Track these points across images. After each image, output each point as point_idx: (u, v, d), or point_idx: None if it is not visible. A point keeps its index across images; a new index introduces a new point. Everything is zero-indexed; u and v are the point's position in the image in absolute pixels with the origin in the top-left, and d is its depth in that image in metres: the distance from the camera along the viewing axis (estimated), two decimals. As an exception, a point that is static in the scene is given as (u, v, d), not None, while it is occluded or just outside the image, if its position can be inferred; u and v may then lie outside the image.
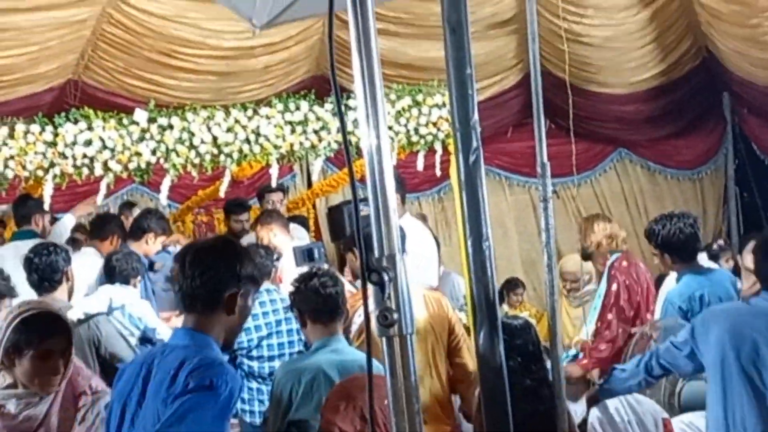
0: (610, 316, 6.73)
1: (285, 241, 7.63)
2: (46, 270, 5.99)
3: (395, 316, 1.90)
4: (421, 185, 11.25)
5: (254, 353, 6.65)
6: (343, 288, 4.92)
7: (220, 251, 3.42)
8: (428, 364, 5.37)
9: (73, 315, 5.88)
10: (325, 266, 6.58)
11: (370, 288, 1.92)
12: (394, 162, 7.76)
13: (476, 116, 4.67)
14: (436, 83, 7.66)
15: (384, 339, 1.93)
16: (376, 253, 1.93)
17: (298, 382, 4.73)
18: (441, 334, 5.47)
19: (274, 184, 8.01)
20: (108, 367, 5.96)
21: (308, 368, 4.75)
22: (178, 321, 7.12)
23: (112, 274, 6.74)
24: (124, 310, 6.59)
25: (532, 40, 6.05)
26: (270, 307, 6.71)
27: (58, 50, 8.99)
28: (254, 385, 6.66)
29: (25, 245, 6.86)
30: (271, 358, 6.64)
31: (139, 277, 6.94)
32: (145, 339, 6.65)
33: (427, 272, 7.42)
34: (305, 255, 6.95)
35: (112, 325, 6.24)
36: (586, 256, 7.30)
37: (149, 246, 7.46)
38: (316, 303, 4.82)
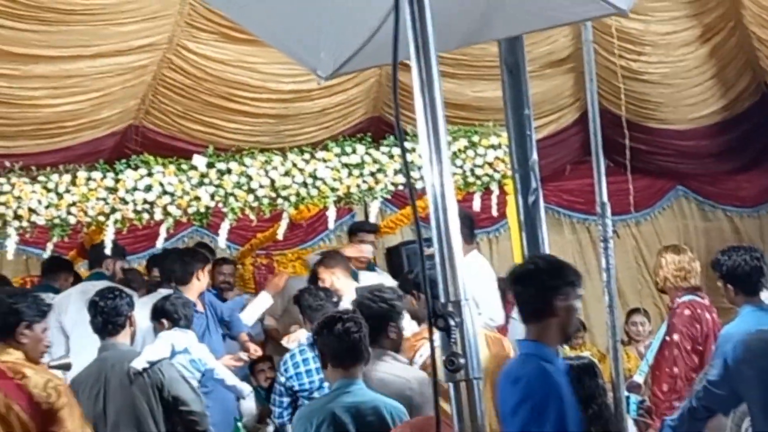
0: (675, 370, 6.54)
1: (347, 284, 7.61)
2: (110, 314, 6.01)
3: (462, 361, 1.89)
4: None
5: (316, 395, 6.64)
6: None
7: None
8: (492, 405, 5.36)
9: (137, 365, 5.92)
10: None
11: (436, 333, 1.91)
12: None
13: (535, 156, 4.69)
14: (492, 124, 7.67)
15: (451, 384, 1.92)
16: (442, 298, 1.93)
17: (309, 425, 4.76)
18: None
19: (330, 226, 8.02)
20: (171, 410, 5.99)
21: (320, 411, 4.78)
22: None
23: (170, 318, 6.77)
24: (187, 354, 6.62)
25: (590, 80, 6.06)
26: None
27: (120, 95, 9.11)
28: (315, 425, 6.67)
29: (93, 287, 6.97)
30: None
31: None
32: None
33: (490, 312, 7.40)
34: (366, 296, 6.95)
35: (174, 368, 6.26)
36: (661, 290, 7.11)
37: (201, 282, 7.45)
38: (338, 348, 4.82)
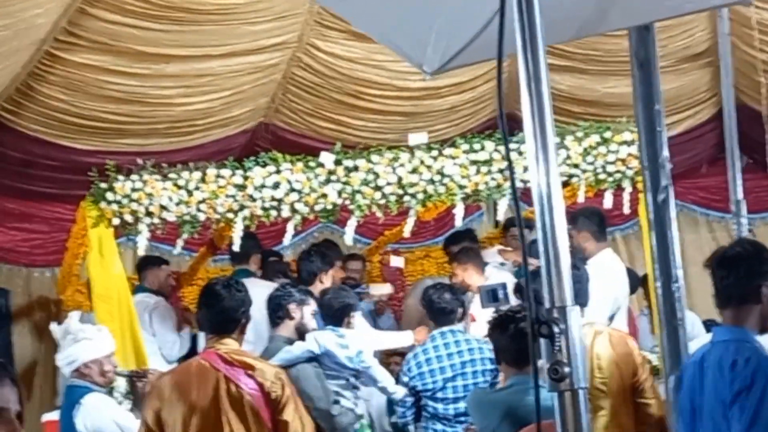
0: None
1: (479, 281, 7.55)
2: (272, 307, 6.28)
3: (566, 369, 1.80)
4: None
5: (439, 395, 6.60)
6: None
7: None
8: (622, 402, 5.28)
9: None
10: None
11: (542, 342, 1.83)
12: (581, 199, 7.61)
13: (666, 153, 4.53)
14: (625, 120, 7.48)
15: (555, 394, 1.84)
16: (547, 304, 1.85)
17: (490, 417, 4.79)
18: (626, 374, 5.33)
19: (458, 224, 7.94)
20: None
21: (500, 405, 4.77)
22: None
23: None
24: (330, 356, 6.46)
25: (726, 75, 5.83)
26: (455, 349, 6.65)
27: (250, 94, 9.21)
28: (439, 426, 6.62)
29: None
30: (456, 400, 6.58)
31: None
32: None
33: (592, 312, 7.25)
34: (490, 296, 6.87)
35: (309, 366, 6.25)
36: None
37: (325, 284, 7.45)
38: (511, 348, 4.79)
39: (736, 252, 3.82)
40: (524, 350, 4.71)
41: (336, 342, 6.41)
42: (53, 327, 6.08)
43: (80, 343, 5.84)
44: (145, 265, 8.33)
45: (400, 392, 6.72)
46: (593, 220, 7.32)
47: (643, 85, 4.42)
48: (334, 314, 6.61)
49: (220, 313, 5.01)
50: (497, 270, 8.31)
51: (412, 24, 3.32)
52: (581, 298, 5.65)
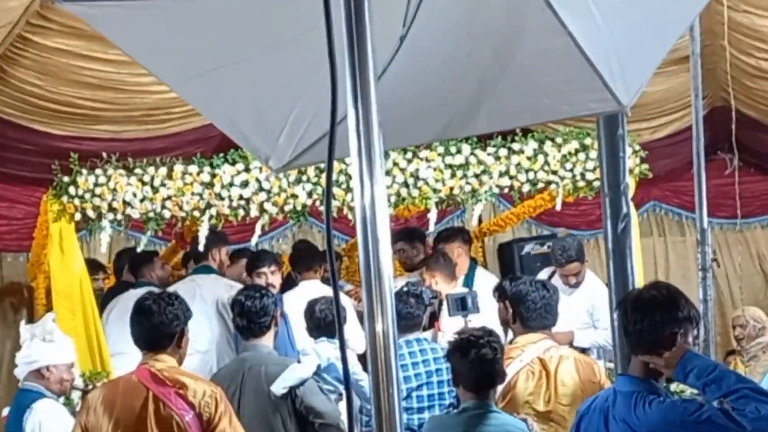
0: None
1: (447, 289, 7.38)
2: (258, 314, 5.85)
3: None
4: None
5: (404, 404, 6.46)
6: (502, 354, 4.75)
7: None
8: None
9: (277, 390, 5.70)
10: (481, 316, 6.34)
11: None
12: (558, 207, 7.51)
13: (627, 180, 4.37)
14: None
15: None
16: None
17: None
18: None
19: (431, 228, 7.80)
20: (303, 421, 5.83)
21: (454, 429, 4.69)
22: None
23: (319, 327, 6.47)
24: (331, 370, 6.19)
25: (694, 93, 5.63)
26: (420, 358, 6.48)
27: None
28: (404, 436, 6.46)
29: (201, 281, 6.94)
30: (420, 410, 6.43)
31: None
32: None
33: (599, 333, 7.20)
34: (458, 304, 6.75)
35: (312, 380, 6.04)
36: None
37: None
38: (469, 375, 4.69)
39: (651, 296, 3.69)
40: (484, 377, 4.64)
41: (335, 355, 6.16)
42: (22, 326, 5.93)
43: (47, 344, 5.71)
44: (139, 262, 8.14)
45: None
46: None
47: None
48: (328, 326, 6.38)
49: (153, 330, 4.84)
50: (484, 274, 8.22)
51: (262, 119, 3.18)
52: (549, 319, 5.53)
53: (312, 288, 7.37)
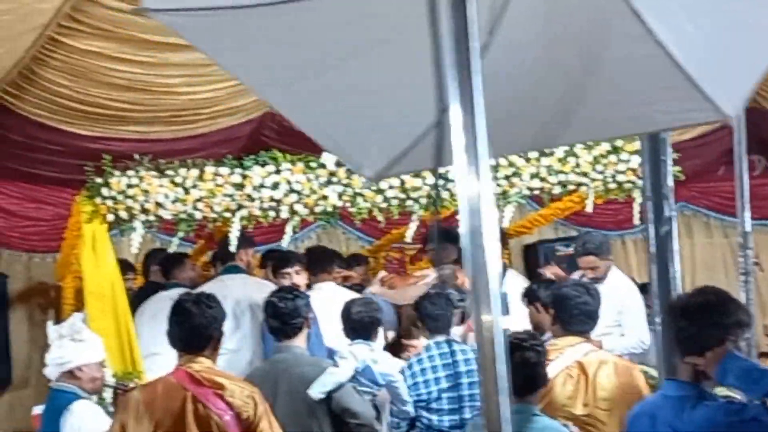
0: None
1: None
2: (290, 315, 5.85)
3: None
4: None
5: (434, 406, 6.44)
6: (545, 357, 4.72)
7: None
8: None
9: (315, 394, 5.68)
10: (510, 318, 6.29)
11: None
12: (590, 208, 7.46)
13: (670, 183, 4.34)
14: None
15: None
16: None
17: None
18: (629, 405, 5.18)
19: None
20: (338, 422, 5.81)
21: None
22: None
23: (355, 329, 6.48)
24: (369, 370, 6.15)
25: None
26: (450, 359, 6.48)
27: (257, 84, 9.03)
28: (433, 438, 6.47)
29: (231, 281, 7.03)
30: (451, 412, 6.42)
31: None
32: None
33: (640, 333, 7.12)
34: (489, 305, 6.70)
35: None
36: None
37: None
38: (514, 378, 4.61)
39: (700, 302, 3.69)
40: (527, 380, 4.61)
41: (371, 357, 6.19)
42: (49, 326, 5.92)
43: (76, 344, 5.70)
44: (171, 264, 8.15)
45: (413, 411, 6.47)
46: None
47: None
48: (365, 327, 6.41)
49: (192, 331, 4.86)
50: (514, 275, 8.18)
51: (354, 126, 3.16)
52: (590, 324, 5.51)
53: (327, 290, 7.38)
